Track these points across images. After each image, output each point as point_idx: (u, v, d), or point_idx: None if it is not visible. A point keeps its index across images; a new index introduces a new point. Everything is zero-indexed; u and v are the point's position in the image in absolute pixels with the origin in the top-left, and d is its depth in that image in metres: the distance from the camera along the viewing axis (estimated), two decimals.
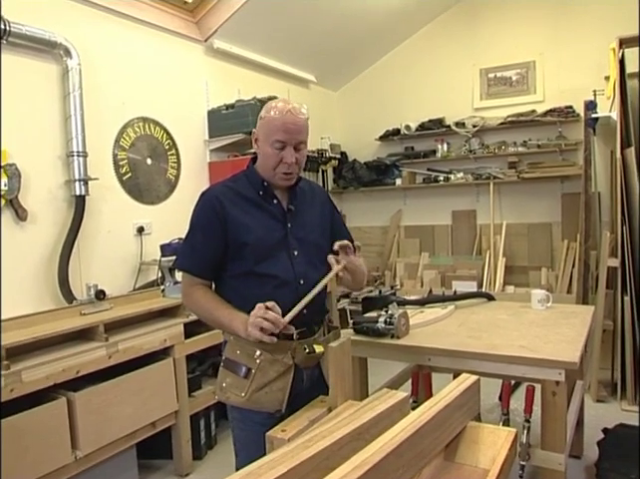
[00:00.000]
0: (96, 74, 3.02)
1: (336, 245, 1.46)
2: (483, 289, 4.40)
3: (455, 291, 2.84)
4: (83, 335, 2.35)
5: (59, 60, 2.81)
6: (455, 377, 2.30)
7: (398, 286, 3.49)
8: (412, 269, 4.93)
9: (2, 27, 2.46)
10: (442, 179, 4.88)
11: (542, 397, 1.81)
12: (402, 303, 2.54)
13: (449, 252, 5.03)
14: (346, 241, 1.47)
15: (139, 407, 2.41)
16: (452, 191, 4.97)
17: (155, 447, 2.75)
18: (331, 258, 1.46)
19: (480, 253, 4.80)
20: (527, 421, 2.01)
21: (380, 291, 2.70)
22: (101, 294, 2.63)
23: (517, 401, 2.94)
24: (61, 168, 2.85)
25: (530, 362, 1.78)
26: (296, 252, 1.55)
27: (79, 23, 2.94)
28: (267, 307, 1.34)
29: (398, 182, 5.09)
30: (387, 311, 2.17)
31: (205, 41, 3.81)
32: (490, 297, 2.76)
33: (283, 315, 1.36)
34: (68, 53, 2.79)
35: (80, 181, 2.83)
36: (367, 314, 2.39)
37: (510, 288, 4.50)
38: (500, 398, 2.98)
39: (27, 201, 2.66)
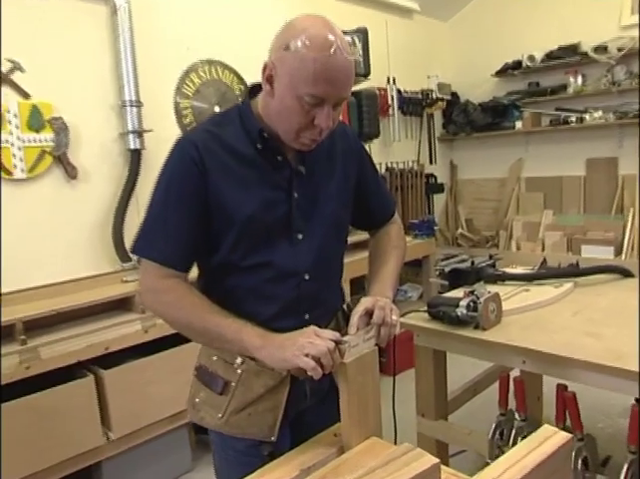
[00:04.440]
0: (150, 12, 2.72)
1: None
2: (624, 257, 3.73)
3: (577, 263, 2.20)
4: (121, 306, 2.13)
5: None
6: (558, 388, 1.70)
7: (499, 256, 2.85)
8: (532, 230, 4.44)
9: None
10: (574, 120, 4.23)
11: None
12: (501, 279, 2.03)
13: (580, 210, 4.41)
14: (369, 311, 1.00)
15: (181, 388, 2.16)
16: (586, 134, 4.30)
17: None
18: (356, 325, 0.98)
19: (622, 212, 4.13)
20: None
21: (472, 262, 2.14)
22: None
23: None
24: (115, 119, 2.63)
25: None
26: (301, 236, 1.07)
27: None
28: (338, 343, 0.92)
29: (518, 125, 4.53)
30: (474, 292, 1.67)
31: None
32: (628, 273, 2.09)
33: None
34: None
35: (133, 133, 2.59)
36: (448, 294, 1.90)
37: None
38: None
39: (78, 157, 2.49)
